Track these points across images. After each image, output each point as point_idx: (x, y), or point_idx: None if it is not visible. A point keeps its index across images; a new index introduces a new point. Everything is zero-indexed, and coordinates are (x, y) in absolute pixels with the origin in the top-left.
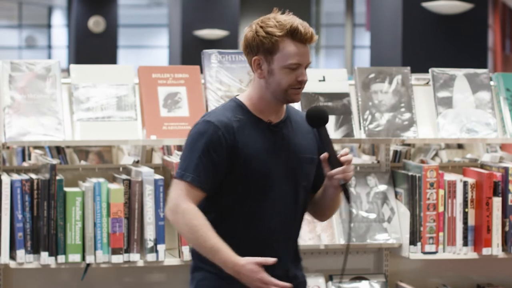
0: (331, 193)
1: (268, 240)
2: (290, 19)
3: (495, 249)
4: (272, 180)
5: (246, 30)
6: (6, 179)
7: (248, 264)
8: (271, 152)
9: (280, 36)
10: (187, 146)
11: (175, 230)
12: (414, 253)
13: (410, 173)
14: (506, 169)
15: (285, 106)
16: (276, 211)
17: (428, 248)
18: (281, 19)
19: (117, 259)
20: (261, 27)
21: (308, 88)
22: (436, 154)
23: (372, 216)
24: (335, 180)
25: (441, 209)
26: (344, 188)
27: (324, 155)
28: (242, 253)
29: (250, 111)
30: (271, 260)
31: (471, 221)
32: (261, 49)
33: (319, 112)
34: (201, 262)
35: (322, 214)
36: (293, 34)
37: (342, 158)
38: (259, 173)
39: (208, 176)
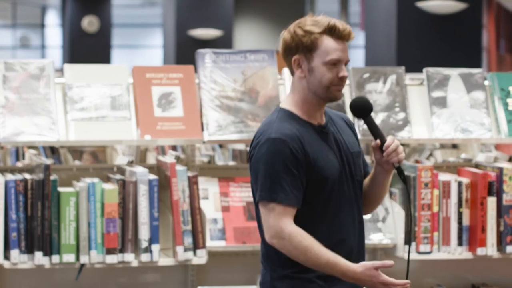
0: (381, 180)
1: (345, 240)
2: (327, 18)
3: (490, 249)
4: (339, 180)
5: (283, 35)
6: (0, 179)
7: (366, 271)
8: (331, 154)
9: (319, 33)
10: (262, 167)
11: (284, 253)
12: None
13: (404, 173)
14: (500, 169)
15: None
16: (346, 210)
17: (422, 248)
18: (318, 18)
19: (111, 259)
20: (299, 27)
21: None
22: (431, 154)
23: (367, 216)
24: (388, 165)
25: (435, 209)
26: (400, 169)
27: (376, 142)
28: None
29: (300, 118)
30: (388, 263)
31: (465, 221)
32: (300, 48)
33: (363, 102)
34: (285, 270)
35: (368, 205)
36: (331, 30)
37: (392, 146)
38: (331, 178)
39: (296, 191)
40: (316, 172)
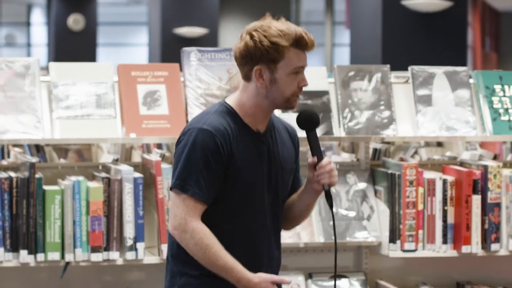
0: (308, 199)
1: (254, 252)
2: (292, 28)
3: (475, 247)
4: (258, 191)
5: (244, 39)
6: None
7: (262, 282)
8: (258, 163)
9: (287, 46)
10: (184, 155)
11: (183, 246)
12: (394, 251)
13: (389, 171)
14: (485, 167)
15: None
16: (260, 220)
17: (407, 246)
18: (282, 27)
19: (97, 257)
20: (264, 36)
21: None
22: (416, 152)
23: (352, 214)
24: (319, 185)
25: (420, 207)
26: (328, 193)
27: (313, 159)
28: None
29: (241, 118)
30: (286, 280)
31: (450, 219)
32: (264, 59)
33: (311, 115)
34: (186, 268)
35: (290, 222)
36: (298, 43)
37: (326, 168)
38: (248, 184)
39: (210, 188)
40: (234, 173)
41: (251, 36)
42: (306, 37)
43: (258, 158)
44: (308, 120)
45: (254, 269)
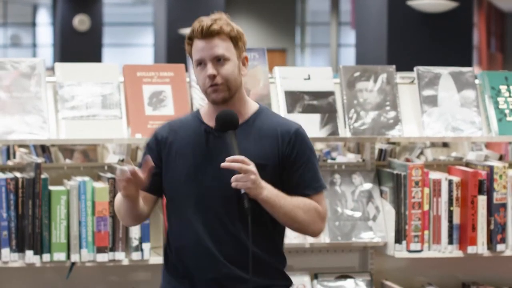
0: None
1: (199, 243)
2: (199, 19)
3: (480, 247)
4: (190, 185)
5: None
6: None
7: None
8: (202, 156)
9: (190, 38)
10: None
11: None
12: (399, 252)
13: (395, 172)
14: (491, 168)
15: (248, 110)
16: (211, 216)
17: (413, 246)
18: (197, 21)
19: (102, 257)
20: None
21: (293, 86)
22: (421, 153)
23: (357, 214)
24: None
25: (426, 207)
26: (244, 198)
27: (226, 161)
28: (176, 254)
29: (200, 117)
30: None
31: (456, 220)
32: (188, 55)
33: (226, 115)
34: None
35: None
36: (195, 33)
37: (235, 166)
38: (177, 177)
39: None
40: (167, 163)
41: None
42: (198, 24)
43: (205, 151)
44: (221, 121)
45: (205, 267)
